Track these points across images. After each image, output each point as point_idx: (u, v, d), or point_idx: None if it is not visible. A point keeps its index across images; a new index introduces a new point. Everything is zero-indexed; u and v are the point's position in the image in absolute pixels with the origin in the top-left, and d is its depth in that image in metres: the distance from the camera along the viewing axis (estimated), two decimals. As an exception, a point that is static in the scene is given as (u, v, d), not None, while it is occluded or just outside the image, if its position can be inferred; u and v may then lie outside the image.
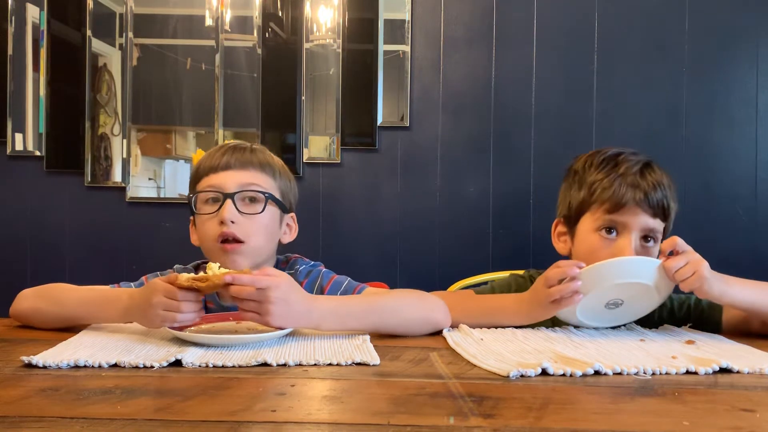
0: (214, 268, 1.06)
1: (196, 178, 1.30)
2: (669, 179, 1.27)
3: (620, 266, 1.13)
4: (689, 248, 1.14)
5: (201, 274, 1.05)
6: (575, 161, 1.34)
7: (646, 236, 1.23)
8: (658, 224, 1.23)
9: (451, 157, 2.22)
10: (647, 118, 2.18)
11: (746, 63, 2.18)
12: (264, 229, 1.26)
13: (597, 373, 0.88)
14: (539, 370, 0.87)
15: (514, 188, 2.20)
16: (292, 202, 1.36)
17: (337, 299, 1.17)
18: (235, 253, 1.22)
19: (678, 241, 1.15)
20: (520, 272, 1.41)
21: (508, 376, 0.86)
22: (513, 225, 2.19)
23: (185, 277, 1.03)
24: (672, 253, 1.14)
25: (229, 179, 1.25)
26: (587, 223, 1.26)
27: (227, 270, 1.06)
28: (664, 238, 1.26)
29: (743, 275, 1.17)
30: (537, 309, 1.17)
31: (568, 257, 1.30)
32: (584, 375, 0.87)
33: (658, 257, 1.18)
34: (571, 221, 1.30)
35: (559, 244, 1.33)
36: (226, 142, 1.36)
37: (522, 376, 0.86)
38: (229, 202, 1.22)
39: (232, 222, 1.21)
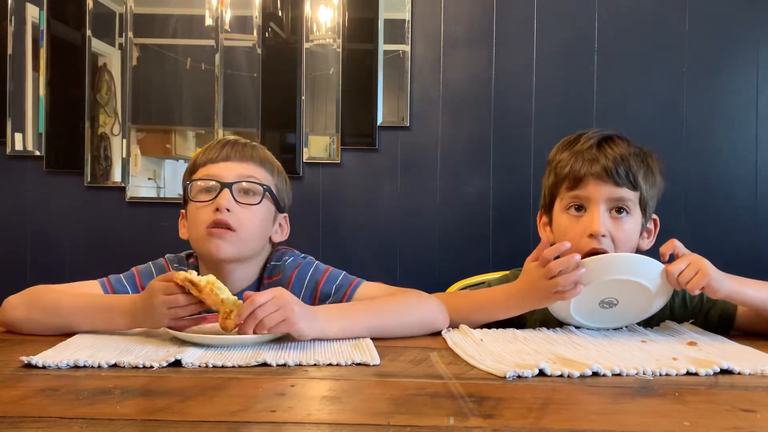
0: (215, 284, 1.03)
1: (192, 169, 1.28)
2: (636, 149, 1.26)
3: (623, 261, 1.12)
4: (687, 251, 1.14)
5: (195, 277, 1.03)
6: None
7: (619, 208, 1.21)
8: (626, 193, 1.21)
9: (451, 157, 2.22)
10: (647, 118, 2.18)
11: (746, 63, 2.18)
12: (258, 222, 1.24)
13: (596, 374, 0.88)
14: (536, 371, 0.87)
15: (514, 188, 2.19)
16: (286, 202, 1.34)
17: (339, 306, 1.17)
18: (223, 239, 1.19)
19: (676, 244, 1.14)
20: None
21: (504, 377, 0.85)
22: (513, 225, 2.18)
23: (181, 277, 1.03)
24: (672, 258, 1.13)
25: (228, 170, 1.23)
26: (558, 206, 1.26)
27: (223, 297, 1.02)
28: (645, 207, 1.24)
29: (744, 275, 1.16)
30: (534, 300, 1.16)
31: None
32: (583, 376, 0.87)
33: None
34: (548, 208, 1.31)
35: (544, 234, 1.32)
36: (224, 137, 1.34)
37: (519, 377, 0.86)
38: (226, 191, 1.20)
39: (228, 210, 1.19)
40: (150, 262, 1.32)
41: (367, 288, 1.26)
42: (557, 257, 1.13)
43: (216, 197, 1.21)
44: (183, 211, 1.30)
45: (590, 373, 0.87)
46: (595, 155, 1.22)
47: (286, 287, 1.21)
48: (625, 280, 1.11)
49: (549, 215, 1.31)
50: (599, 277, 1.11)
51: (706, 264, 1.10)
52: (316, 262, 1.31)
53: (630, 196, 1.21)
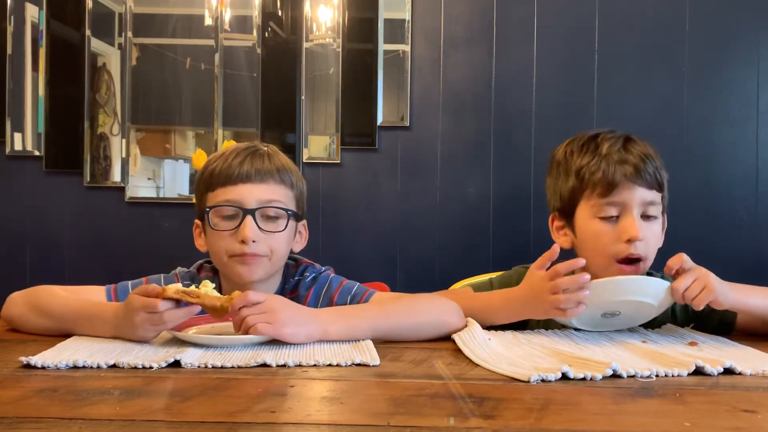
0: (208, 287, 1.04)
1: (209, 185, 1.23)
2: (653, 149, 1.24)
3: (629, 284, 1.12)
4: (694, 264, 1.13)
5: (192, 288, 1.02)
6: (555, 152, 1.32)
7: (647, 214, 1.20)
8: (655, 196, 1.20)
9: (451, 157, 2.22)
10: (647, 118, 2.18)
11: (746, 63, 2.18)
12: (284, 245, 1.23)
13: (615, 374, 0.86)
14: (559, 375, 0.85)
15: (515, 188, 2.19)
16: (304, 208, 1.32)
17: (344, 307, 1.15)
18: (255, 264, 1.19)
19: (684, 258, 1.13)
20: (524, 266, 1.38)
21: (528, 381, 0.84)
22: (513, 225, 2.18)
23: (173, 290, 1.01)
24: (678, 272, 1.13)
25: (249, 194, 1.19)
26: (584, 211, 1.23)
27: (219, 295, 1.04)
28: (665, 206, 1.23)
29: (744, 276, 1.16)
30: (536, 311, 1.15)
31: (572, 250, 1.28)
32: (603, 377, 0.85)
33: (664, 274, 1.17)
34: (567, 213, 1.26)
35: (561, 238, 1.28)
36: (240, 143, 1.29)
37: (543, 380, 0.84)
38: (249, 219, 1.17)
39: (254, 241, 1.17)
40: (162, 275, 1.27)
41: (381, 296, 1.24)
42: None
43: (239, 225, 1.18)
44: (198, 221, 1.27)
45: (610, 372, 0.86)
46: (625, 158, 1.20)
47: (303, 301, 1.24)
48: (629, 299, 1.11)
49: (566, 219, 1.27)
50: (603, 299, 1.11)
51: (711, 279, 1.09)
52: (333, 275, 1.29)
53: (658, 198, 1.21)
